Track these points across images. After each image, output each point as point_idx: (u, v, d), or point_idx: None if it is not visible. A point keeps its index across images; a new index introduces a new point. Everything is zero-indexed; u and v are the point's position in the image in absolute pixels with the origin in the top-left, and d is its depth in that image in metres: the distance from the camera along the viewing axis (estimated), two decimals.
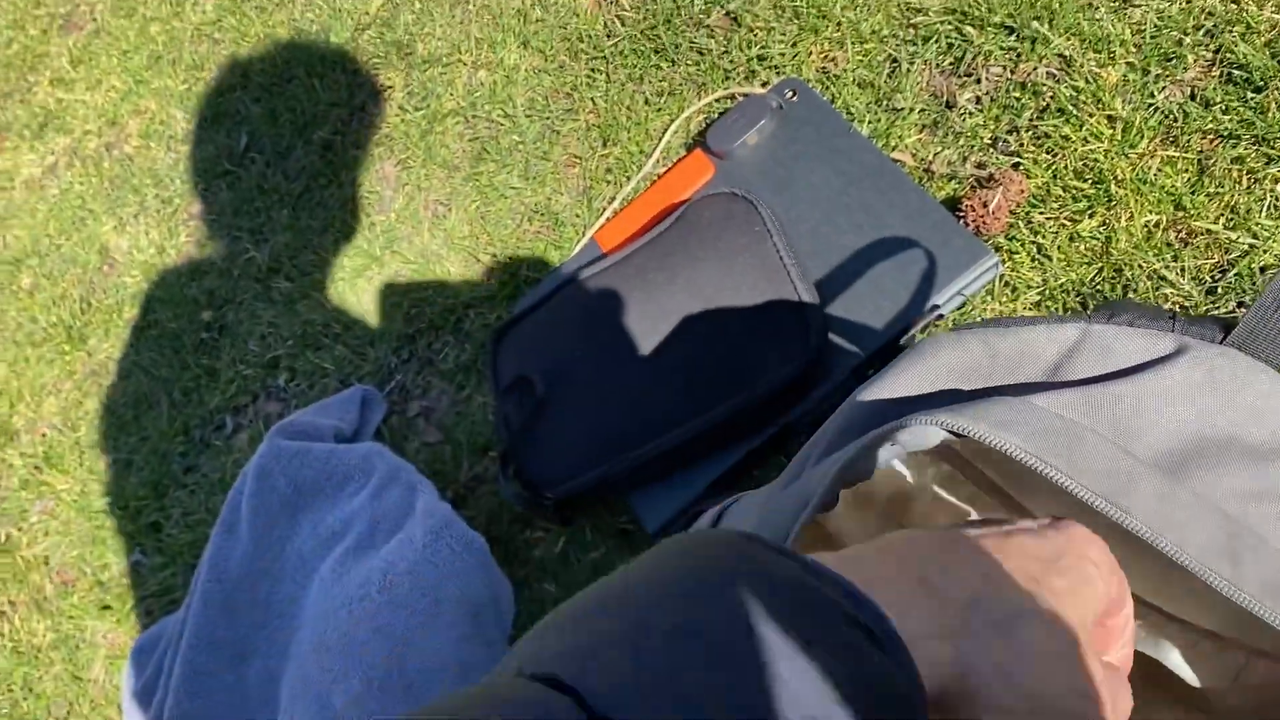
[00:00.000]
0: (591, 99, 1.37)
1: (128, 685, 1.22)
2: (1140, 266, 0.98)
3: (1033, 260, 1.03)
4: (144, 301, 1.59)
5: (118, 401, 1.52)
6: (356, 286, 1.41)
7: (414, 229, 1.41)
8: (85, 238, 1.71)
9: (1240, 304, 0.94)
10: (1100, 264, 1.00)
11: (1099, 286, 0.99)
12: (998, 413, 0.44)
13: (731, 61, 1.29)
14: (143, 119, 1.79)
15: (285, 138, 1.60)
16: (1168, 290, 0.97)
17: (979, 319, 1.04)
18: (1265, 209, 0.96)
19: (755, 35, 1.28)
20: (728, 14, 1.32)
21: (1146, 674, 0.53)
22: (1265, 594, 0.39)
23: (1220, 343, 0.48)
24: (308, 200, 1.52)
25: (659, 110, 1.31)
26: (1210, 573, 0.39)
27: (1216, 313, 0.94)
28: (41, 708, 1.35)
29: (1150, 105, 1.04)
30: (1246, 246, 0.95)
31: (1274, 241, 0.95)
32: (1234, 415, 0.45)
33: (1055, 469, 0.41)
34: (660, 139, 1.29)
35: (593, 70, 1.38)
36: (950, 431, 0.43)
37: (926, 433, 0.44)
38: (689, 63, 1.32)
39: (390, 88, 1.54)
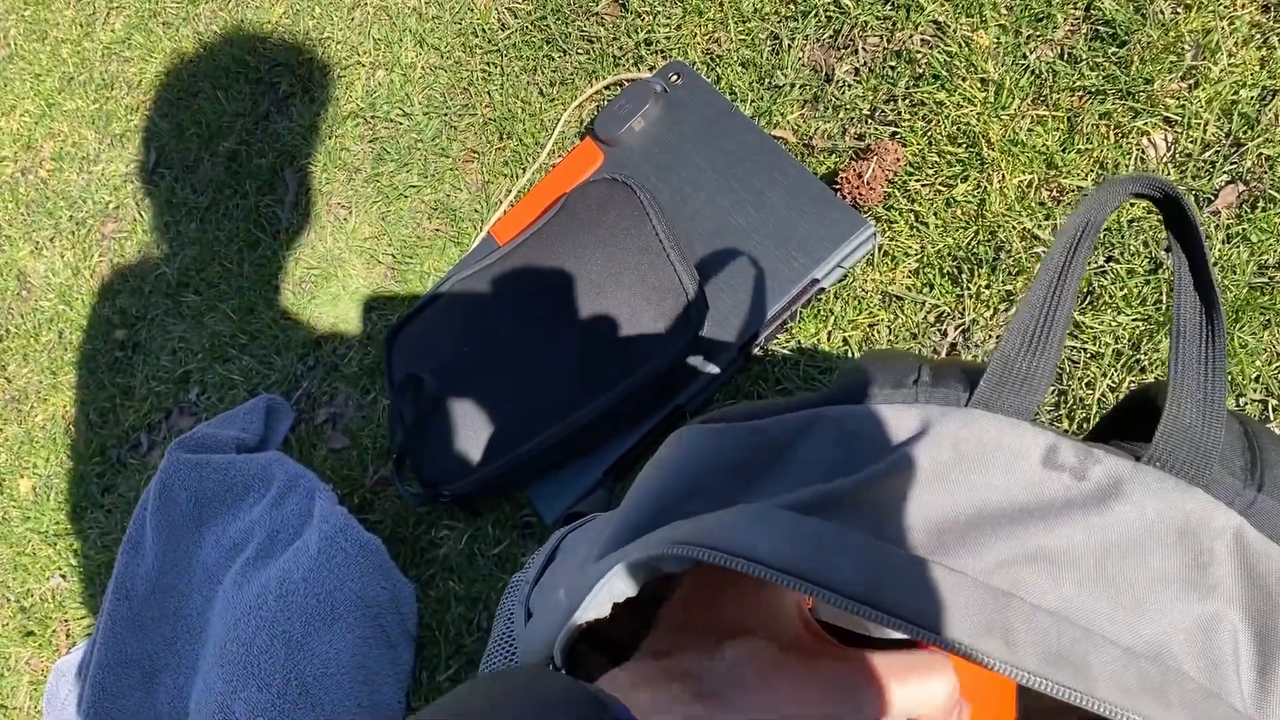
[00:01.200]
0: (488, 92, 1.36)
1: (48, 712, 1.22)
2: (1013, 227, 0.98)
3: (911, 228, 1.03)
4: (60, 325, 1.58)
5: (36, 426, 1.51)
6: (263, 295, 1.40)
7: (316, 234, 1.40)
8: (2, 264, 1.70)
9: (1109, 258, 0.94)
10: (975, 227, 1.00)
11: (974, 250, 0.99)
12: (722, 529, 0.42)
13: (620, 48, 1.28)
14: (56, 141, 1.77)
15: (192, 151, 1.59)
16: (1040, 249, 0.96)
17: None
18: (1133, 162, 0.96)
19: (642, 20, 1.27)
20: (616, 0, 1.32)
21: None
22: (1044, 664, 0.37)
23: (966, 403, 0.46)
24: (215, 212, 1.51)
25: (552, 101, 1.31)
26: (981, 654, 0.36)
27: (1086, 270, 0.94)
28: None
29: (1022, 66, 1.04)
30: None
31: None
32: (988, 482, 0.43)
33: (797, 579, 0.39)
34: (554, 129, 1.28)
35: (488, 64, 1.38)
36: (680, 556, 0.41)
37: (660, 565, 0.42)
38: (579, 51, 1.31)
39: (292, 94, 1.53)
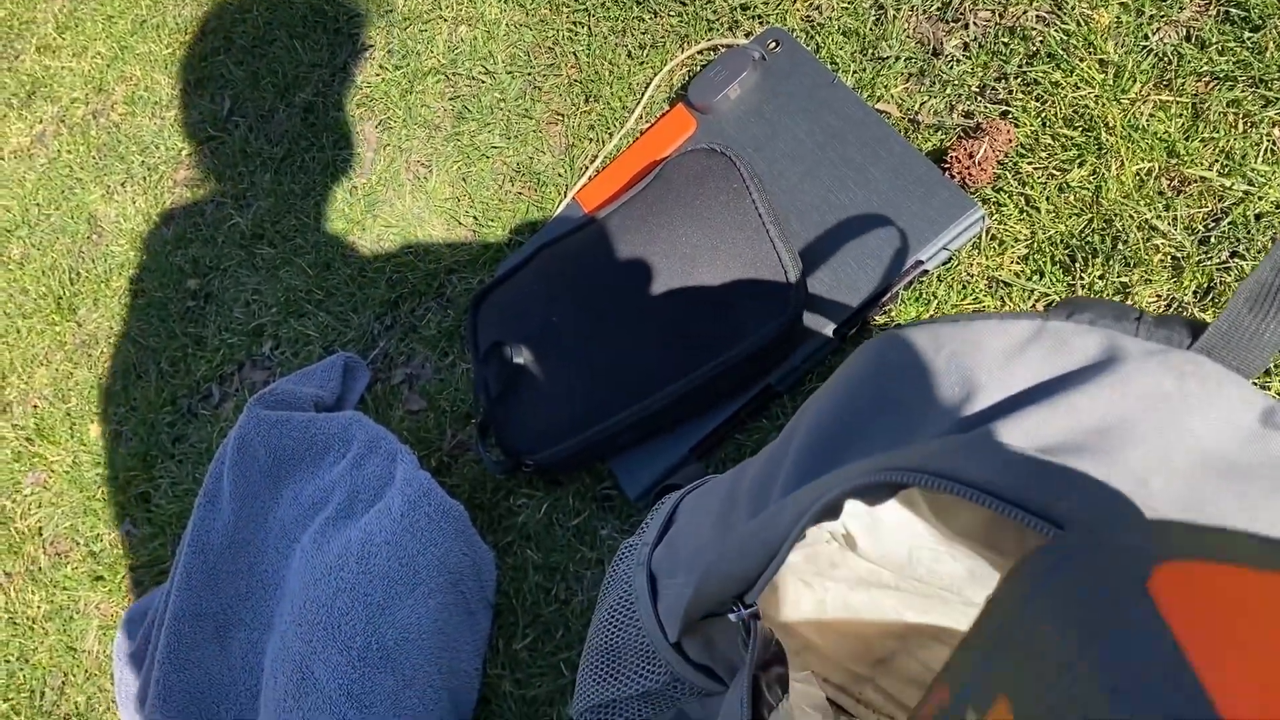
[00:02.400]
0: (574, 53, 1.33)
1: (119, 655, 1.22)
2: (1131, 216, 0.94)
3: (1020, 212, 1.00)
4: (131, 271, 1.57)
5: (107, 372, 1.52)
6: (339, 251, 1.39)
7: (395, 192, 1.38)
8: (74, 207, 1.70)
9: (1234, 253, 0.90)
10: (1090, 214, 0.96)
11: (1088, 238, 0.96)
12: (937, 454, 0.41)
13: (715, 12, 1.25)
14: (128, 85, 1.76)
15: (268, 101, 1.57)
16: (1159, 240, 0.93)
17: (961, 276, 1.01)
18: (1261, 154, 0.92)
19: None
20: None
21: None
22: None
23: (1188, 347, 0.44)
24: (290, 164, 1.49)
25: (642, 64, 1.27)
26: None
27: (1208, 265, 0.90)
28: (37, 678, 1.35)
29: (1144, 48, 1.00)
30: (1241, 194, 0.91)
31: (1270, 188, 0.91)
32: (1205, 428, 0.41)
33: (1019, 510, 0.38)
34: (643, 94, 1.25)
35: (574, 24, 1.35)
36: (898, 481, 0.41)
37: (878, 494, 0.42)
38: (671, 14, 1.28)
39: (371, 47, 1.51)
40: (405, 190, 1.37)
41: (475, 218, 1.30)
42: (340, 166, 1.44)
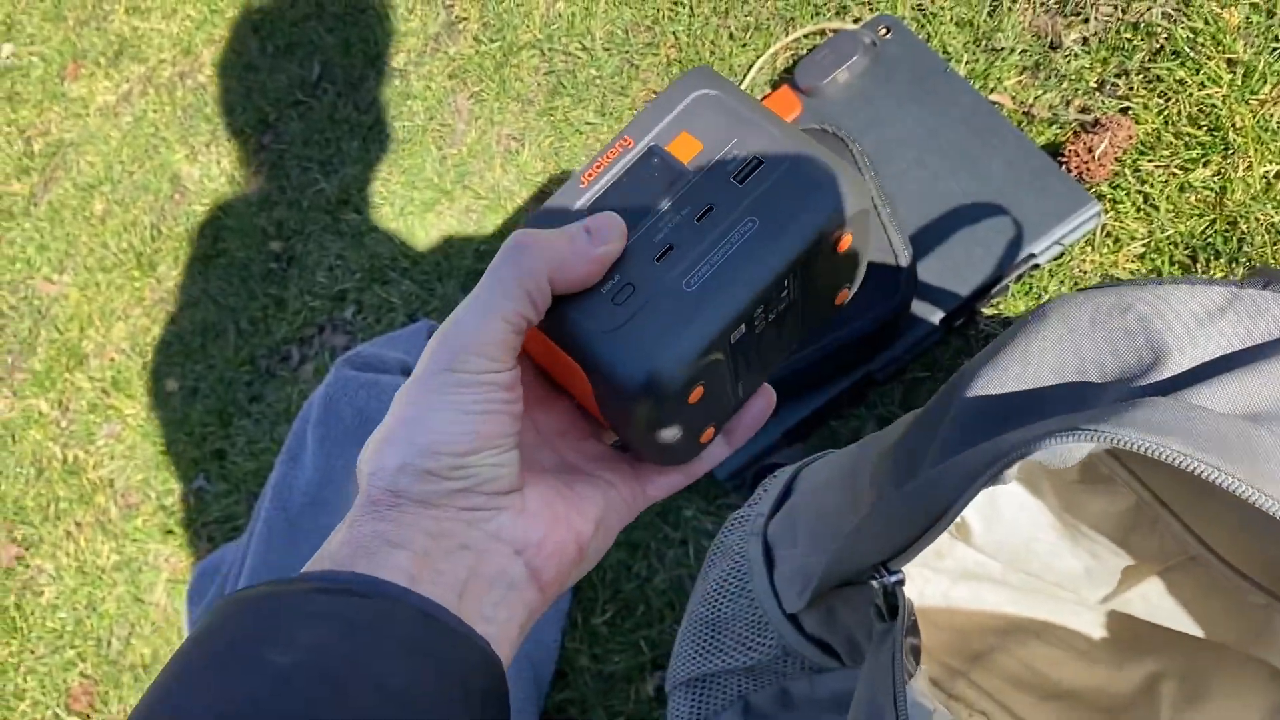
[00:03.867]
0: (673, 33, 1.32)
1: (190, 607, 1.23)
2: (1258, 219, 0.92)
3: (1138, 210, 0.98)
4: (214, 230, 1.58)
5: (185, 329, 1.52)
6: (425, 221, 1.39)
7: (486, 164, 1.38)
8: (157, 165, 1.71)
9: None
10: (1213, 215, 0.94)
11: (1210, 239, 0.93)
12: (1152, 417, 0.40)
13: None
14: (217, 48, 1.77)
15: (358, 68, 1.57)
16: None
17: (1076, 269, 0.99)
18: None
19: None
20: None
21: None
22: None
23: None
24: (378, 132, 1.49)
25: (744, 46, 1.26)
26: None
27: None
28: (104, 627, 1.36)
29: (1275, 49, 0.98)
30: None
31: None
32: None
33: (1233, 478, 0.36)
34: (745, 75, 1.24)
35: (675, 3, 1.34)
36: (1101, 444, 0.39)
37: (1071, 449, 0.40)
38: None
39: (465, 19, 1.51)
40: (496, 162, 1.37)
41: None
42: (430, 135, 1.44)
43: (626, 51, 1.34)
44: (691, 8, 1.32)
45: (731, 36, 1.28)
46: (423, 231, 1.38)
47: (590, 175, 0.40)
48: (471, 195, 1.36)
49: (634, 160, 0.40)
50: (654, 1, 1.35)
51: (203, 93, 1.74)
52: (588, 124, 1.32)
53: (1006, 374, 0.52)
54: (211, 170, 1.64)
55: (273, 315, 1.45)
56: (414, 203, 1.41)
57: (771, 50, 1.23)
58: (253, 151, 1.62)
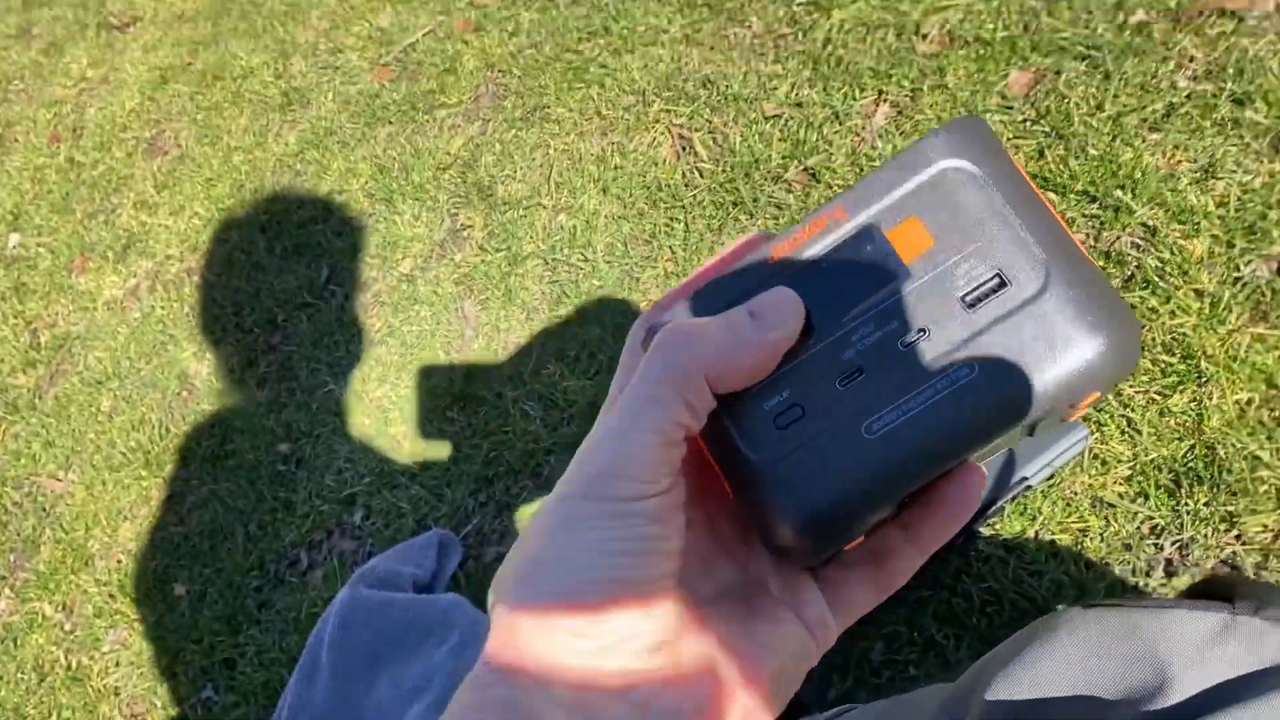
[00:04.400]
0: (670, 247, 1.40)
1: None
2: (1234, 446, 0.98)
3: (1122, 433, 1.04)
4: (222, 430, 1.62)
5: (193, 530, 1.54)
6: (434, 425, 1.43)
7: (495, 372, 1.43)
8: (165, 362, 1.75)
9: None
10: (1193, 440, 1.00)
11: (1191, 464, 0.99)
12: None
13: None
14: (225, 246, 1.84)
15: (366, 272, 1.64)
16: (1264, 472, 0.96)
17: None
18: None
19: (834, 191, 1.31)
20: (806, 170, 1.35)
21: None
22: None
23: None
24: (387, 336, 1.55)
25: None
26: None
27: None
28: None
29: (1237, 280, 1.05)
30: None
31: None
32: None
33: None
34: None
35: (671, 219, 1.42)
36: None
37: None
38: (767, 215, 1.34)
39: (470, 227, 1.58)
40: (503, 369, 1.42)
41: (573, 401, 1.35)
42: (439, 341, 1.50)
43: (626, 263, 1.42)
44: (687, 224, 1.40)
45: None
46: (432, 435, 1.42)
47: (785, 249, 0.33)
48: (479, 401, 1.41)
49: (841, 240, 0.33)
50: (651, 217, 1.43)
51: (210, 290, 1.80)
52: (593, 336, 1.39)
53: (1021, 684, 0.56)
54: (220, 369, 1.69)
55: (281, 519, 1.48)
56: (422, 407, 1.45)
57: None
58: (261, 351, 1.67)
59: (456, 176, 1.64)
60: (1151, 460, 1.01)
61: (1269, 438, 0.98)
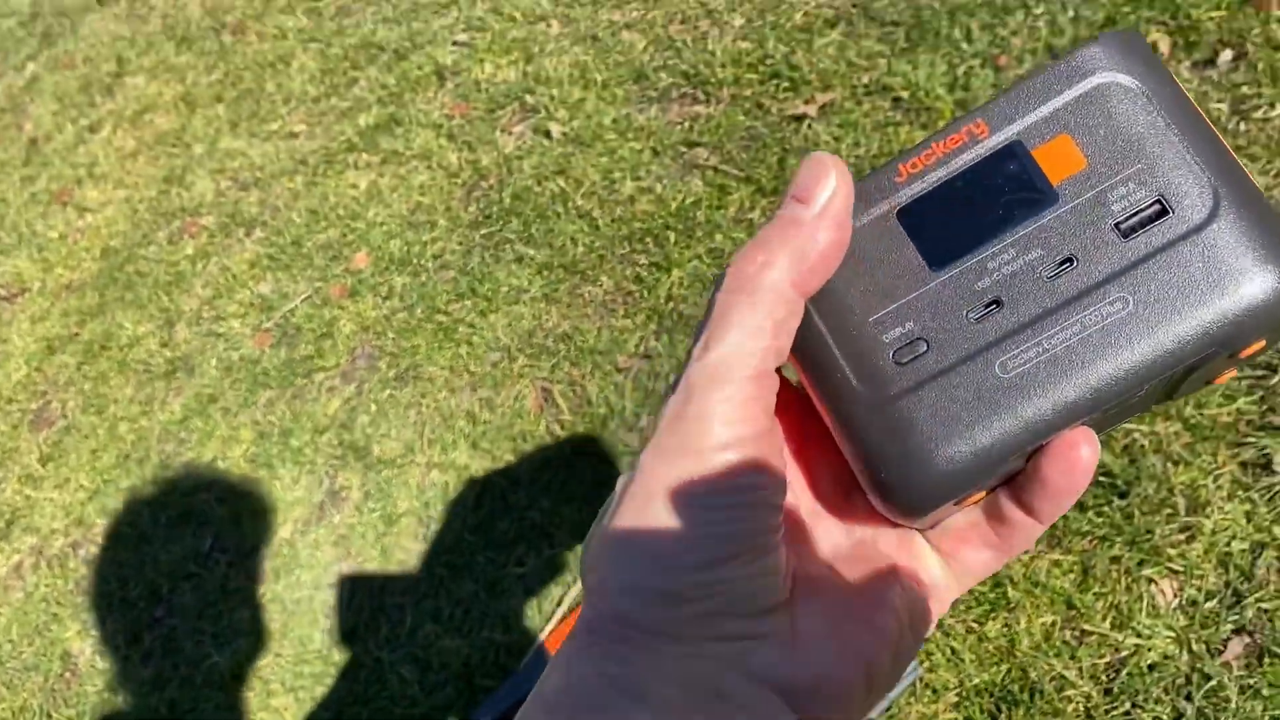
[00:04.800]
0: (536, 499, 1.48)
1: None
2: (1044, 667, 1.07)
3: (948, 660, 1.12)
4: (106, 713, 1.61)
5: None
6: (314, 695, 1.45)
7: (371, 635, 1.47)
8: (48, 643, 1.75)
9: (1134, 705, 1.03)
10: (1008, 664, 1.09)
11: (1009, 688, 1.08)
12: None
13: None
14: (109, 519, 1.87)
15: (249, 538, 1.68)
16: (1070, 691, 1.05)
17: None
18: (1144, 608, 1.07)
19: None
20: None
21: None
22: None
23: None
24: (269, 601, 1.58)
25: (594, 510, 1.42)
26: None
27: (1115, 715, 1.02)
28: None
29: None
30: (1133, 646, 1.05)
31: (1156, 639, 1.05)
32: None
33: None
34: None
35: (537, 471, 1.51)
36: None
37: None
38: (626, 465, 1.44)
39: (348, 488, 1.65)
40: (381, 632, 1.47)
41: (447, 663, 1.39)
42: (319, 606, 1.54)
43: (496, 517, 1.49)
44: (551, 475, 1.49)
45: (586, 503, 1.44)
46: (312, 707, 1.45)
47: (915, 166, 0.30)
48: (357, 666, 1.45)
49: (982, 157, 0.30)
50: (520, 473, 1.52)
51: (95, 565, 1.82)
52: (470, 595, 1.45)
53: None
54: (103, 647, 1.69)
55: None
56: (303, 676, 1.48)
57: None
58: (146, 626, 1.68)
59: (334, 438, 1.72)
60: (975, 685, 1.10)
61: (1072, 656, 1.07)
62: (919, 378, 0.29)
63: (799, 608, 0.30)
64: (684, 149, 1.77)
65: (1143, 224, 0.28)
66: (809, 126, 1.68)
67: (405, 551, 1.53)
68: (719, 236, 1.62)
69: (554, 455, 1.50)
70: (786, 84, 1.76)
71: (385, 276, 1.89)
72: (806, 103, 1.72)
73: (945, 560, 0.34)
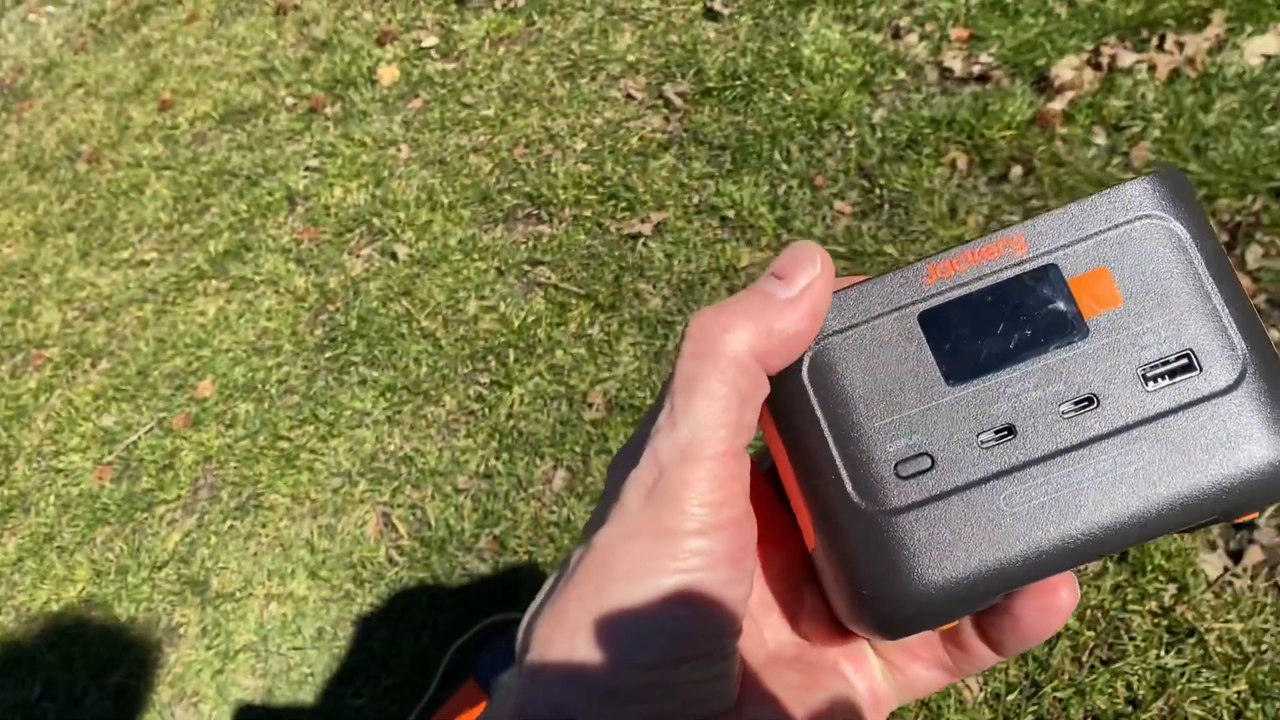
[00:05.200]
0: (375, 628, 1.46)
1: None
2: None
3: None
4: None
5: None
6: None
7: None
8: None
9: None
10: None
11: None
12: None
13: (501, 585, 1.41)
14: None
15: (79, 685, 1.61)
16: None
17: None
18: (952, 705, 1.10)
19: (520, 559, 1.42)
20: (495, 538, 1.47)
21: None
22: None
23: None
24: None
25: (435, 636, 1.41)
26: None
27: None
28: None
29: None
30: None
31: None
32: None
33: None
34: (437, 673, 1.37)
35: (376, 598, 1.49)
36: None
37: None
38: (463, 583, 1.44)
39: (185, 623, 1.60)
40: None
41: None
42: None
43: (335, 649, 1.46)
44: (390, 602, 1.47)
45: (423, 639, 1.42)
46: None
47: (946, 270, 0.29)
48: None
49: (1016, 275, 0.29)
50: (358, 597, 1.50)
51: None
52: None
53: None
54: None
55: None
56: None
57: (458, 643, 1.38)
58: None
59: (173, 573, 1.67)
60: None
61: None
62: (920, 496, 0.28)
63: (744, 712, 0.28)
64: (527, 267, 1.81)
65: (1169, 375, 0.27)
66: (644, 244, 1.74)
67: (242, 689, 1.49)
68: (559, 352, 1.65)
69: (392, 582, 1.49)
70: (624, 204, 1.82)
71: (229, 404, 1.87)
72: (642, 222, 1.78)
73: (889, 670, 0.33)
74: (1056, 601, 0.29)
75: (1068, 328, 0.28)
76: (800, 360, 0.29)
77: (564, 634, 0.25)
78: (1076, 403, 0.28)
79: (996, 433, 0.28)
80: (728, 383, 0.26)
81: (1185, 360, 0.27)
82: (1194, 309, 0.27)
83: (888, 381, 0.29)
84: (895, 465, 0.28)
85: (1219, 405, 0.27)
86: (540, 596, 0.28)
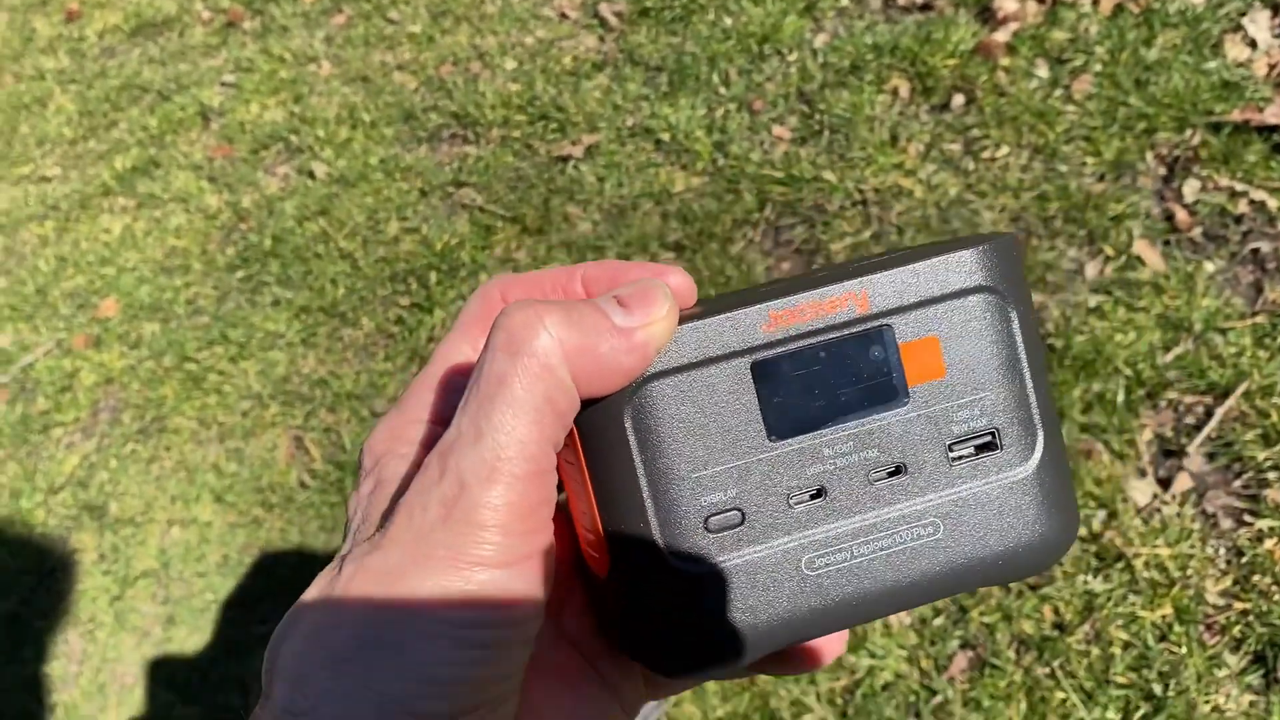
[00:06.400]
0: (284, 555, 1.39)
1: None
2: (783, 695, 1.06)
3: (693, 695, 1.10)
4: None
5: None
6: None
7: (100, 708, 1.35)
8: None
9: None
10: (749, 694, 1.08)
11: (750, 717, 1.06)
12: None
13: None
14: None
15: None
16: (807, 716, 1.05)
17: None
18: (879, 628, 1.08)
19: None
20: None
21: None
22: None
23: None
24: None
25: None
26: None
27: None
28: None
29: None
30: (868, 668, 1.06)
31: (889, 659, 1.05)
32: None
33: None
34: None
35: (286, 524, 1.42)
36: None
37: None
38: None
39: (82, 549, 1.52)
40: (110, 704, 1.34)
41: None
42: (43, 685, 1.40)
43: (240, 574, 1.40)
44: (301, 528, 1.41)
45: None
46: None
47: (787, 318, 0.29)
48: None
49: (853, 334, 0.29)
50: (266, 523, 1.43)
51: None
52: (206, 653, 1.34)
53: None
54: None
55: None
56: None
57: None
58: None
59: (69, 498, 1.58)
60: (718, 718, 1.08)
61: (811, 682, 1.07)
62: (725, 551, 0.28)
63: None
64: (452, 189, 1.74)
65: (973, 452, 0.29)
66: (575, 167, 1.68)
67: (141, 615, 1.41)
68: (483, 276, 1.59)
69: (303, 506, 1.42)
70: (554, 126, 1.75)
71: (133, 324, 1.78)
72: (573, 144, 1.72)
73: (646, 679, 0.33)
74: (825, 650, 0.31)
75: (892, 393, 0.29)
76: (624, 396, 0.28)
77: (335, 667, 0.23)
78: (888, 471, 0.29)
79: (810, 495, 0.28)
80: (539, 394, 0.24)
81: (990, 437, 0.29)
82: (1005, 388, 0.29)
83: (712, 431, 0.28)
84: (707, 518, 0.28)
85: (1013, 485, 0.29)
86: (296, 613, 0.25)
